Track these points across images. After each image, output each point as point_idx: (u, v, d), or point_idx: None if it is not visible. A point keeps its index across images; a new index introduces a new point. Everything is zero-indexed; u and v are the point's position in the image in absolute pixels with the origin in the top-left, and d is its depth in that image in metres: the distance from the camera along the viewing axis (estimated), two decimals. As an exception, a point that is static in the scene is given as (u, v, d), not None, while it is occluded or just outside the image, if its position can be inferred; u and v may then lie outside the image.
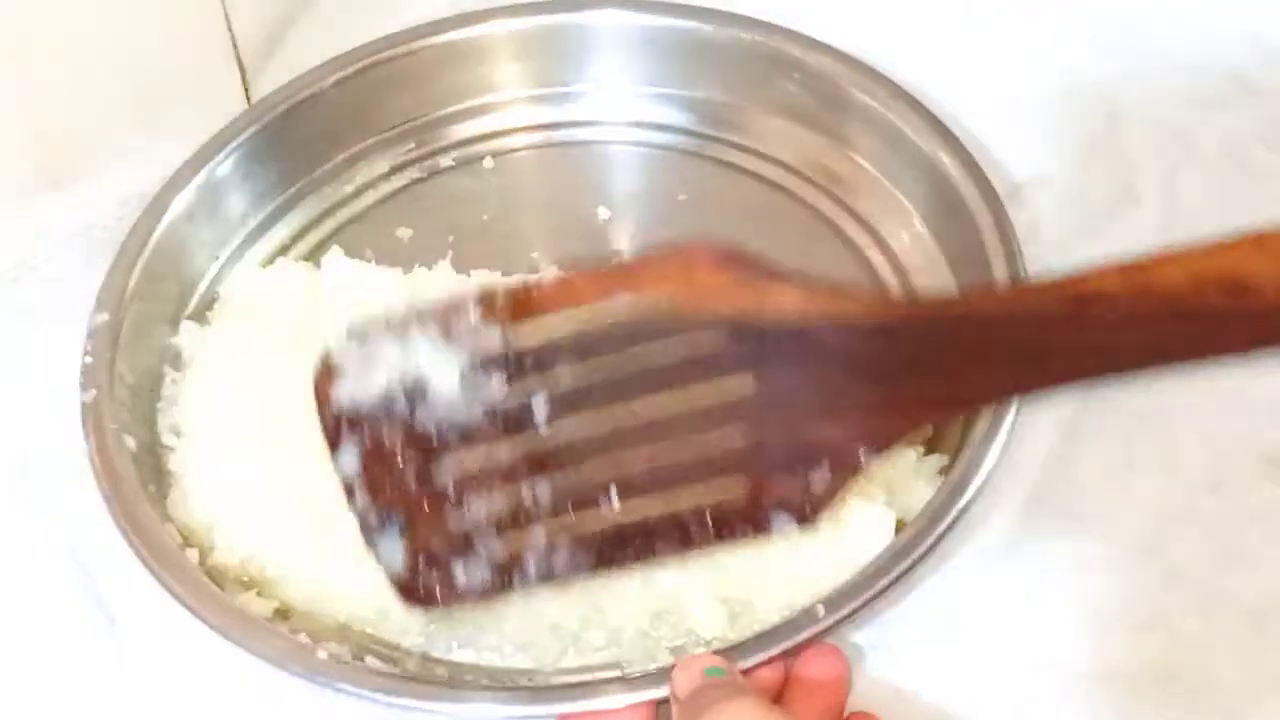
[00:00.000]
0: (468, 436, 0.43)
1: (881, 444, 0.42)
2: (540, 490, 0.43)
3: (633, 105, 0.64)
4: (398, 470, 0.44)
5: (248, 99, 0.64)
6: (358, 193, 0.63)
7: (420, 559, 0.45)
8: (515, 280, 0.42)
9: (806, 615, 0.46)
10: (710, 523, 0.44)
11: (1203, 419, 0.53)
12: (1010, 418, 0.49)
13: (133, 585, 0.49)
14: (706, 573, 0.48)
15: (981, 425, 0.49)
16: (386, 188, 0.63)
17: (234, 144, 0.59)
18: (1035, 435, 0.52)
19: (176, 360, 0.56)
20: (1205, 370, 0.53)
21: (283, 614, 0.50)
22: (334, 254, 0.58)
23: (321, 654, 0.47)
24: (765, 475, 0.43)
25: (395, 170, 0.63)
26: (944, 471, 0.50)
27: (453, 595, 0.46)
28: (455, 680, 0.48)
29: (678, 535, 0.44)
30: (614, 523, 0.44)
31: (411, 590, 0.46)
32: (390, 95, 0.63)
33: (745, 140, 0.62)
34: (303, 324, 0.55)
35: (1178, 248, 0.39)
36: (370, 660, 0.48)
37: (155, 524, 0.49)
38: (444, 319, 0.43)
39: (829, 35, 0.61)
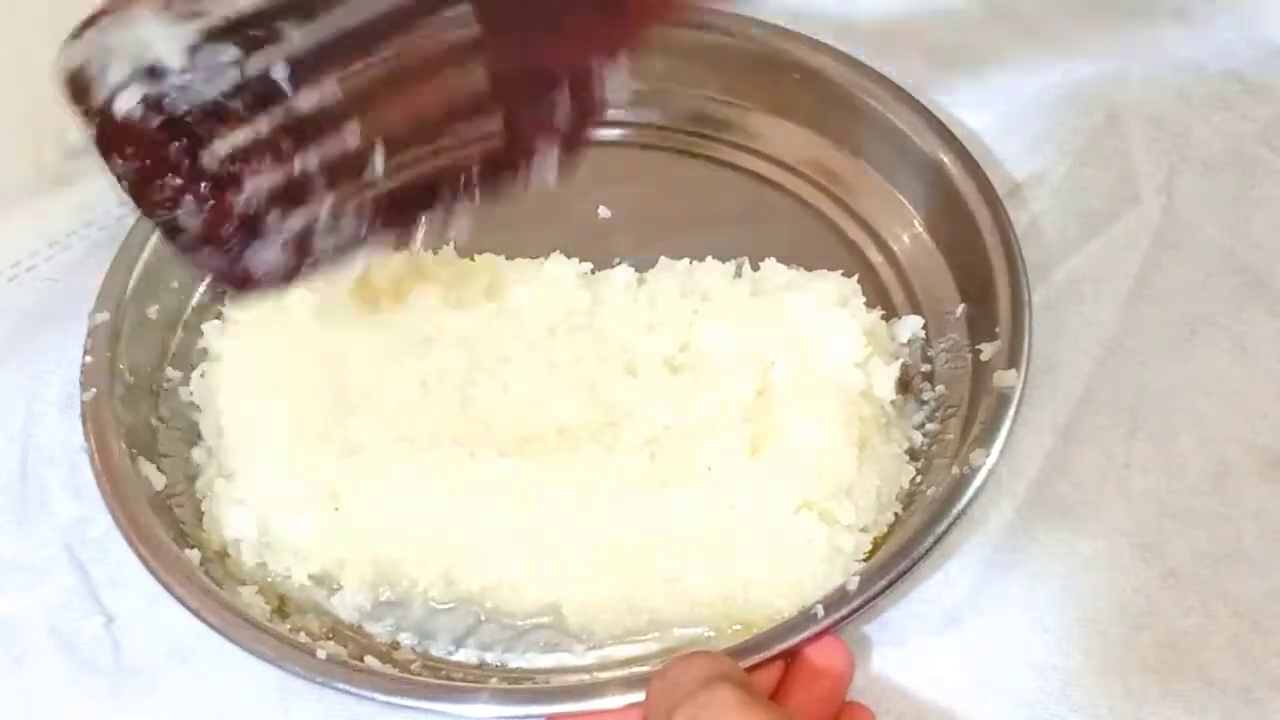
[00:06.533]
0: (223, 117, 0.41)
1: (610, 51, 0.42)
2: (309, 161, 0.42)
3: (633, 105, 0.64)
4: (169, 164, 0.42)
5: (248, 98, 0.64)
6: (358, 192, 0.63)
7: (218, 249, 0.43)
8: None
9: (806, 615, 0.46)
10: (476, 172, 0.43)
11: (1202, 419, 0.53)
12: (1010, 417, 0.49)
13: (132, 584, 0.49)
14: (704, 572, 0.48)
15: (981, 425, 0.50)
16: (387, 187, 0.63)
17: (234, 144, 0.59)
18: (1035, 435, 0.52)
19: (178, 358, 0.56)
20: (1204, 369, 0.53)
21: (282, 613, 0.50)
22: None
23: (321, 654, 0.47)
24: (516, 109, 0.42)
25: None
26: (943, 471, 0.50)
27: (258, 281, 0.44)
28: (455, 680, 0.48)
29: (451, 184, 0.43)
30: (387, 184, 0.43)
31: (228, 282, 0.44)
32: (390, 95, 0.63)
33: (745, 140, 0.62)
34: (312, 311, 0.55)
35: None
36: (370, 660, 0.48)
37: (155, 524, 0.49)
38: None
39: (829, 35, 0.61)
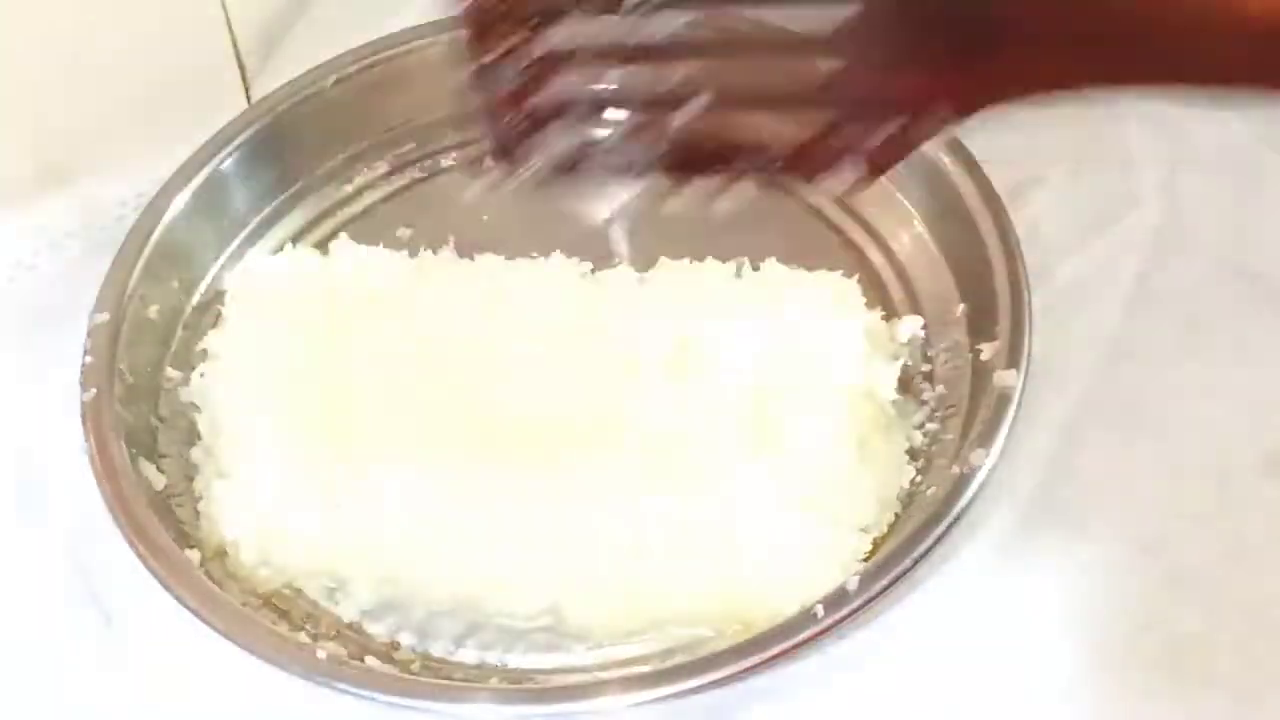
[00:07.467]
0: (587, 8, 0.42)
1: (963, 108, 0.42)
2: (636, 77, 0.43)
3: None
4: (509, 29, 0.43)
5: (248, 99, 0.64)
6: (358, 192, 0.63)
7: (514, 118, 0.44)
8: None
9: (806, 615, 0.46)
10: (780, 156, 0.43)
11: (1204, 419, 0.53)
12: (1010, 417, 0.49)
13: (132, 584, 0.49)
14: (704, 572, 0.48)
15: (981, 425, 0.49)
16: (387, 187, 0.63)
17: (234, 144, 0.59)
18: (1035, 436, 0.52)
19: (178, 358, 0.56)
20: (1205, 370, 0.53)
21: (282, 613, 0.50)
22: (342, 240, 0.59)
23: (321, 654, 0.47)
24: (844, 115, 0.43)
25: (395, 170, 0.63)
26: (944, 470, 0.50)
27: (536, 162, 0.45)
28: (455, 680, 0.48)
29: (749, 157, 0.43)
30: (693, 128, 0.43)
31: (503, 151, 0.45)
32: (390, 95, 0.63)
33: (745, 140, 0.62)
34: (313, 310, 0.55)
35: None
36: (370, 660, 0.48)
37: (155, 524, 0.49)
38: None
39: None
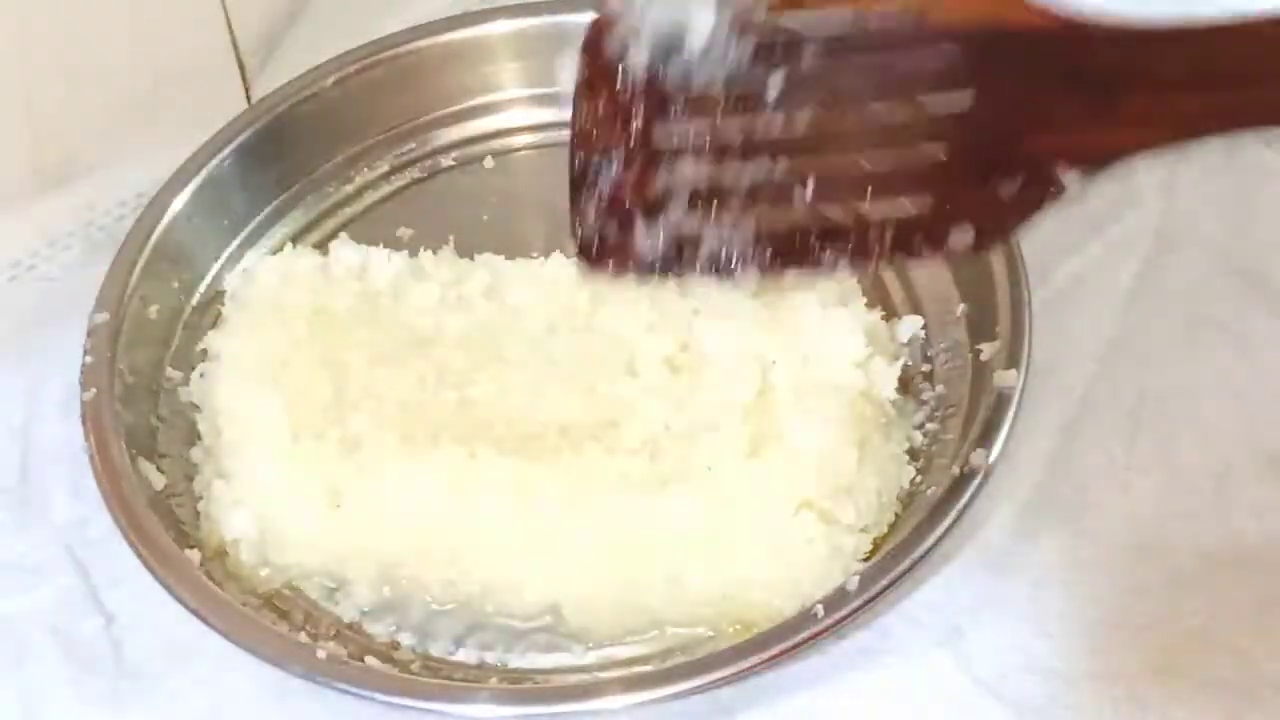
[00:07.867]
0: (698, 102, 0.42)
1: (1088, 161, 0.42)
2: (743, 173, 0.42)
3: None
4: (624, 117, 0.43)
5: (248, 99, 0.64)
6: (358, 192, 0.63)
7: (609, 214, 0.44)
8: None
9: (806, 615, 0.46)
10: (889, 236, 0.43)
11: (1203, 420, 0.53)
12: (1010, 417, 0.49)
13: (132, 584, 0.49)
14: (704, 572, 0.48)
15: (981, 425, 0.49)
16: (387, 187, 0.63)
17: (234, 144, 0.59)
18: (1035, 436, 0.52)
19: (178, 358, 0.56)
20: (1205, 370, 0.53)
21: (282, 613, 0.50)
22: (342, 240, 0.59)
23: (321, 654, 0.47)
24: (958, 188, 0.42)
25: (396, 170, 0.63)
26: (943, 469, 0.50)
27: (626, 261, 0.44)
28: (455, 680, 0.48)
29: (854, 244, 0.43)
30: (798, 221, 0.43)
31: (591, 249, 0.44)
32: (390, 95, 0.63)
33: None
34: (313, 310, 0.55)
35: None
36: (370, 660, 0.48)
37: (155, 524, 0.49)
38: None
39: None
